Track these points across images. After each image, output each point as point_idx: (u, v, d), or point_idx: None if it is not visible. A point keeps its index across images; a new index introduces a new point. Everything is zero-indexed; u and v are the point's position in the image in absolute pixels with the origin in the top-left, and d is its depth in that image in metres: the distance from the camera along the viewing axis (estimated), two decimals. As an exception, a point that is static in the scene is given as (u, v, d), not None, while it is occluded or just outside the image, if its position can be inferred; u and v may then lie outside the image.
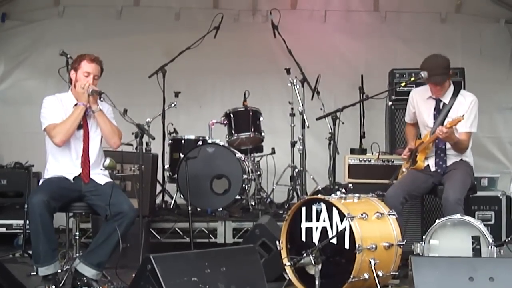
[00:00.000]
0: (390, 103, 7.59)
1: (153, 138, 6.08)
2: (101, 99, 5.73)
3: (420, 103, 6.50)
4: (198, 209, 7.62)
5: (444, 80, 6.25)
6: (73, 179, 5.75)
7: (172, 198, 8.08)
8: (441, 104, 6.37)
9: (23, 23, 9.28)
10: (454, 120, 6.01)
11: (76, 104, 5.78)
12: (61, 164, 5.78)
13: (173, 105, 8.11)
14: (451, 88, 6.38)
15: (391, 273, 5.64)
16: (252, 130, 7.98)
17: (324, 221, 5.60)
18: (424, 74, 6.30)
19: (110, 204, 5.48)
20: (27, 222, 6.62)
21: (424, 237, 5.66)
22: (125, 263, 5.80)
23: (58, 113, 5.76)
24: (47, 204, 5.39)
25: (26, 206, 6.93)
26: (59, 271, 5.71)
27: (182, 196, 7.63)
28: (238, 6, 9.46)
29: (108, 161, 5.64)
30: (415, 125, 6.66)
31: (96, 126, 5.85)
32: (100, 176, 5.85)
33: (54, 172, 5.77)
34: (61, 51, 6.50)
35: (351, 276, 5.34)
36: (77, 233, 5.92)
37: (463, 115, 6.01)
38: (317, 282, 5.15)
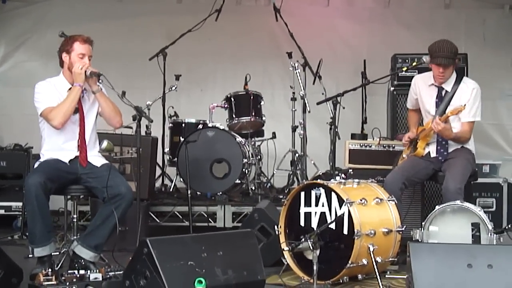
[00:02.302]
0: (392, 88, 7.53)
1: (151, 121, 6.04)
2: (100, 80, 5.70)
3: (423, 89, 6.44)
4: (198, 193, 7.61)
5: (448, 64, 6.15)
6: (69, 161, 5.71)
7: (172, 181, 8.08)
8: (443, 92, 6.31)
9: (24, 5, 9.24)
10: (455, 109, 5.97)
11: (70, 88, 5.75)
12: (56, 148, 5.74)
13: (173, 88, 8.07)
14: (454, 75, 6.30)
15: (390, 259, 5.64)
16: (253, 114, 7.93)
17: (323, 206, 5.58)
18: (426, 58, 6.27)
19: (107, 186, 5.46)
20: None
21: (423, 223, 5.62)
22: (123, 246, 5.79)
23: (53, 96, 5.70)
24: (44, 185, 5.37)
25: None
26: (57, 253, 5.71)
27: (182, 179, 7.60)
28: (240, -11, 9.42)
29: (105, 143, 5.61)
30: (417, 111, 6.60)
31: (90, 109, 5.81)
32: (96, 158, 5.81)
33: (50, 156, 5.73)
34: (60, 32, 6.42)
35: (350, 262, 5.33)
36: (75, 216, 5.90)
37: (465, 104, 5.97)
38: (315, 267, 5.12)
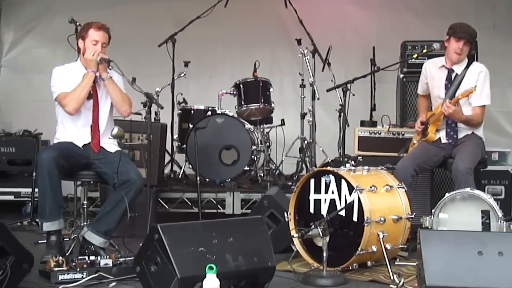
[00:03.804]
0: (401, 75, 7.52)
1: (162, 107, 6.04)
2: (110, 67, 5.71)
3: (433, 73, 6.44)
4: (207, 179, 7.60)
5: (468, 41, 6.17)
6: (83, 146, 5.74)
7: (180, 168, 8.08)
8: (453, 75, 6.31)
9: (32, -10, 9.25)
10: (466, 91, 5.96)
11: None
12: (70, 133, 5.77)
13: (182, 74, 8.08)
14: (465, 60, 6.32)
15: (400, 246, 5.64)
16: (262, 101, 7.92)
17: (332, 193, 5.57)
18: (436, 45, 6.30)
19: (118, 172, 5.47)
20: (35, 182, 6.62)
21: (433, 210, 5.61)
22: (133, 232, 5.80)
23: (68, 82, 5.73)
24: (56, 160, 5.39)
25: (34, 173, 6.94)
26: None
27: (190, 166, 7.61)
28: (250, -25, 9.38)
29: (116, 129, 5.61)
30: (427, 97, 6.60)
31: (105, 95, 5.83)
32: (110, 144, 5.83)
33: (63, 140, 5.75)
34: (70, 18, 6.46)
35: (359, 249, 5.33)
36: (85, 202, 5.92)
37: (475, 86, 5.96)
38: (324, 254, 5.12)
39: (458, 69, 6.30)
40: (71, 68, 5.84)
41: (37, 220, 6.18)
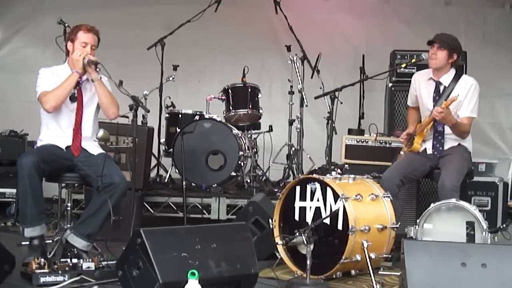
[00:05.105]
0: (390, 84, 7.51)
1: (148, 111, 6.03)
2: (97, 69, 5.67)
3: (422, 85, 6.43)
4: (193, 184, 7.58)
5: (441, 45, 6.16)
6: (66, 148, 5.70)
7: (167, 172, 8.04)
8: (442, 88, 6.30)
9: (23, -10, 9.22)
10: (449, 100, 5.94)
11: None
12: (54, 135, 5.72)
13: (171, 78, 8.05)
14: (452, 72, 6.30)
15: (384, 255, 5.64)
16: (250, 106, 7.92)
17: (318, 201, 5.55)
18: (425, 55, 6.28)
19: (102, 175, 5.43)
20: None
21: (418, 220, 5.61)
22: (117, 236, 5.76)
23: (52, 83, 5.68)
24: (37, 165, 5.33)
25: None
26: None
27: (177, 170, 7.58)
28: (241, -20, 9.38)
29: (101, 132, 5.58)
30: (417, 109, 6.58)
31: (91, 98, 5.80)
32: (93, 147, 5.80)
33: (47, 141, 5.71)
34: (59, 19, 6.43)
35: (343, 257, 5.31)
36: (69, 204, 5.88)
37: (458, 94, 5.94)
38: (308, 262, 5.09)
39: (445, 81, 6.29)
40: (57, 71, 5.79)
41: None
